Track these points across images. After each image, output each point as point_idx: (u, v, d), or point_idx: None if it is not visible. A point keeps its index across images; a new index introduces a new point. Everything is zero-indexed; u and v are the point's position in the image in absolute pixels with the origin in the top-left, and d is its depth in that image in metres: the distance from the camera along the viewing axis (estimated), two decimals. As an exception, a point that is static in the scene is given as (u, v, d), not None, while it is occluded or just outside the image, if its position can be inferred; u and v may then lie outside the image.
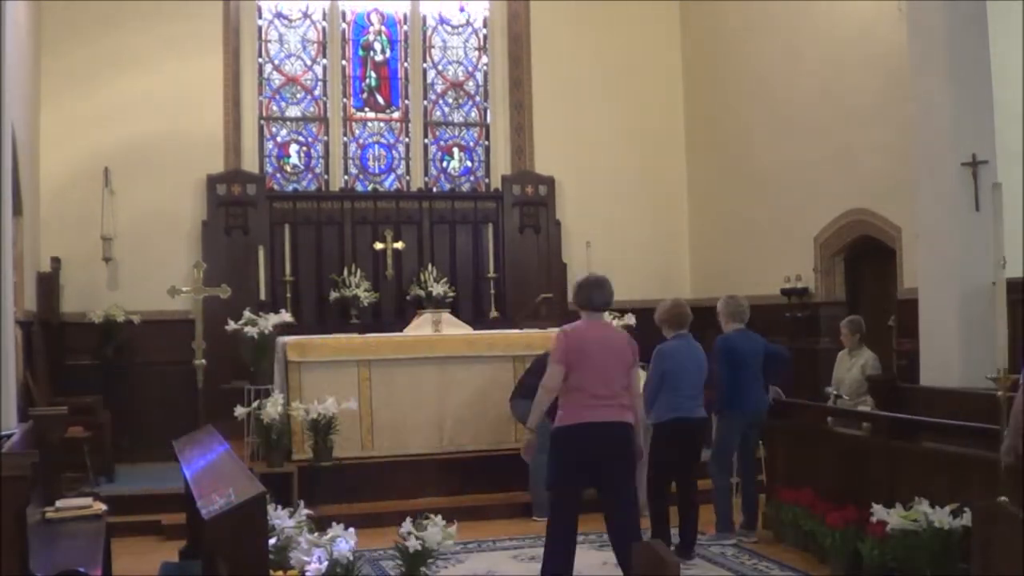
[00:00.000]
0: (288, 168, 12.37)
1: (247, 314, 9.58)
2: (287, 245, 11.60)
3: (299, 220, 11.85)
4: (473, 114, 12.96)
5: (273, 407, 8.43)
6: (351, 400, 8.68)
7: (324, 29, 12.54)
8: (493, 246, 12.18)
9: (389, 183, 12.63)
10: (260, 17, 12.31)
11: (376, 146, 12.66)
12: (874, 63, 9.61)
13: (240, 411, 8.95)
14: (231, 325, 9.41)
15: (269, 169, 12.24)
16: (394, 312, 11.84)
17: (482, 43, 12.98)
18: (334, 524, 5.68)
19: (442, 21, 12.89)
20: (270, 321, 9.54)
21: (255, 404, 8.83)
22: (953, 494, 5.79)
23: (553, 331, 9.80)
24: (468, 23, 12.96)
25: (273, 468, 8.32)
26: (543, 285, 11.96)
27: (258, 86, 12.23)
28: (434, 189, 12.60)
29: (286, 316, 9.83)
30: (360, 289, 11.64)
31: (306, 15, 12.49)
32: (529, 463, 6.93)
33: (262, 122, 12.29)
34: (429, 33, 12.84)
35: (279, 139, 12.39)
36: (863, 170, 9.83)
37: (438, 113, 12.84)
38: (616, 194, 12.63)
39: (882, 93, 9.46)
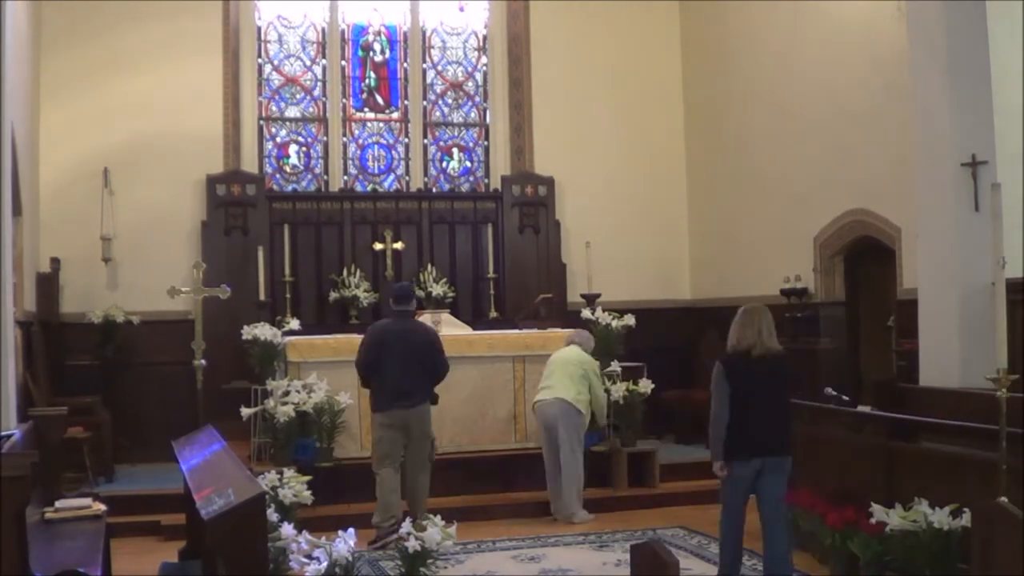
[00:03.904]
0: (288, 168, 12.37)
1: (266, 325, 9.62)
2: (287, 245, 11.60)
3: (299, 220, 11.84)
4: (473, 114, 12.95)
5: (287, 407, 8.46)
6: (346, 395, 8.77)
7: (324, 30, 12.54)
8: (493, 246, 12.17)
9: (388, 183, 12.62)
10: (259, 18, 12.31)
11: (375, 146, 12.66)
12: (874, 63, 9.61)
13: (246, 411, 8.96)
14: (246, 332, 9.43)
15: (269, 169, 12.24)
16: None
17: (481, 43, 12.97)
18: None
19: (442, 23, 12.88)
20: (282, 329, 9.60)
21: (263, 404, 8.85)
22: (953, 494, 5.80)
23: (554, 331, 9.88)
24: (467, 24, 12.95)
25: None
26: (543, 285, 11.96)
27: (258, 86, 12.23)
28: (433, 189, 12.60)
29: (295, 324, 9.89)
30: (360, 289, 11.64)
31: (306, 16, 12.50)
32: None
33: (261, 122, 12.29)
34: (428, 34, 12.84)
35: (279, 139, 12.39)
36: (863, 170, 9.83)
37: (437, 113, 12.84)
38: (616, 194, 12.63)
39: (882, 93, 9.46)
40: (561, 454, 8.51)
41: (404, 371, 7.85)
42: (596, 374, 8.88)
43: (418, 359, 7.94)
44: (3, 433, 5.94)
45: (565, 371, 8.70)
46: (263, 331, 9.41)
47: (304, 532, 5.49)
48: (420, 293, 11.75)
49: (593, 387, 8.77)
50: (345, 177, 12.46)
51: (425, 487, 8.03)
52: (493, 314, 11.96)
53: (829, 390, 8.50)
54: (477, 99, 12.95)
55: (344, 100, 12.55)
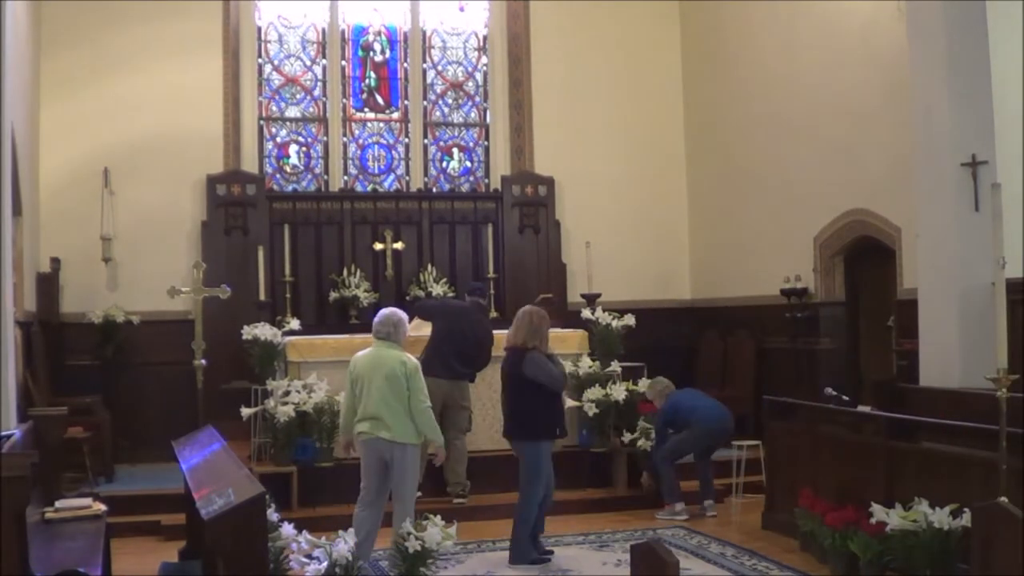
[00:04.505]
0: (288, 168, 12.37)
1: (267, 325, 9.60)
2: (287, 245, 11.59)
3: (299, 220, 11.84)
4: (473, 114, 12.95)
5: (287, 407, 8.47)
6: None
7: (324, 30, 12.53)
8: (493, 246, 12.17)
9: (389, 183, 12.62)
10: (259, 18, 12.31)
11: (376, 146, 12.66)
12: (874, 63, 9.61)
13: (246, 411, 8.96)
14: (246, 332, 9.42)
15: (269, 169, 12.24)
16: (394, 312, 11.80)
17: (481, 43, 12.97)
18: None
19: (442, 23, 12.88)
20: (282, 329, 9.60)
21: (263, 404, 8.85)
22: (953, 494, 5.80)
23: (554, 331, 9.85)
24: (467, 24, 12.95)
25: (279, 468, 8.48)
26: (543, 285, 11.95)
27: (258, 86, 12.23)
28: (434, 189, 12.60)
29: (295, 324, 9.89)
30: (360, 289, 11.63)
31: (306, 16, 12.49)
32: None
33: (262, 122, 12.29)
34: (428, 34, 12.84)
35: (279, 139, 12.39)
36: (863, 170, 9.83)
37: (438, 113, 12.84)
38: (616, 194, 12.63)
39: (882, 93, 9.47)
40: (394, 502, 6.66)
41: (459, 346, 8.72)
42: (418, 377, 6.66)
43: (473, 342, 8.82)
44: (3, 433, 5.94)
45: (387, 388, 6.56)
46: (263, 331, 9.41)
47: (304, 532, 5.48)
48: (420, 293, 11.76)
49: (412, 400, 6.57)
50: (345, 177, 12.46)
51: (464, 451, 8.76)
52: (493, 314, 11.94)
53: (829, 390, 8.51)
54: (477, 99, 12.95)
55: (344, 100, 12.55)
